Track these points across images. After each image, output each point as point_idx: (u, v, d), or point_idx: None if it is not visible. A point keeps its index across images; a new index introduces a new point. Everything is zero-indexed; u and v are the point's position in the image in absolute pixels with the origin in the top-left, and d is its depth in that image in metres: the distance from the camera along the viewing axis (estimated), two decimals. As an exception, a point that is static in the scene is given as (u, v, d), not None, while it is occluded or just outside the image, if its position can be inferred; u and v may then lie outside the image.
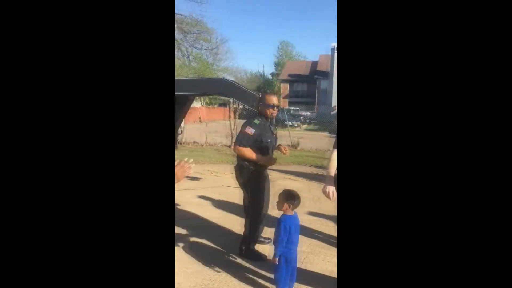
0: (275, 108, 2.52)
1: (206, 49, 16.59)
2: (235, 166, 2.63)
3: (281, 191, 2.09)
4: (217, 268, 2.40)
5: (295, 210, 2.06)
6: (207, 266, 2.45)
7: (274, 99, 2.54)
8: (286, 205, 2.01)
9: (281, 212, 2.05)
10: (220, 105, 25.83)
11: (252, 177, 2.49)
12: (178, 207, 3.93)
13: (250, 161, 2.45)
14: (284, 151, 2.61)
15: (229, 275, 2.31)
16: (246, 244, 2.61)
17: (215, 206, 3.98)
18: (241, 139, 2.45)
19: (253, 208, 2.54)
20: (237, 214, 3.43)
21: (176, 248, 2.80)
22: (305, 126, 19.57)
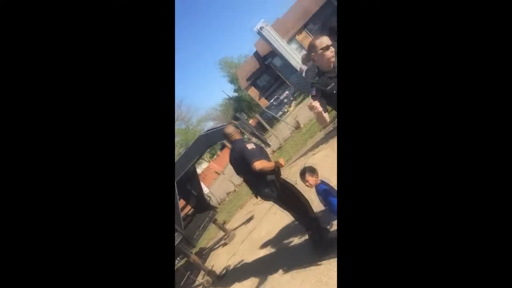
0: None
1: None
2: (258, 192, 2.72)
3: (300, 176, 2.34)
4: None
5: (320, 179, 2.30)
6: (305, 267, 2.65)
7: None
8: (309, 179, 2.25)
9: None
10: (221, 149, 26.33)
11: (282, 186, 2.62)
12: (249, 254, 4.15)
13: (269, 172, 2.53)
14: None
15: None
16: (316, 233, 2.66)
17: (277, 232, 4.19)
18: (253, 155, 2.49)
19: (304, 207, 2.65)
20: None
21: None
22: (293, 104, 19.77)
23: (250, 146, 2.57)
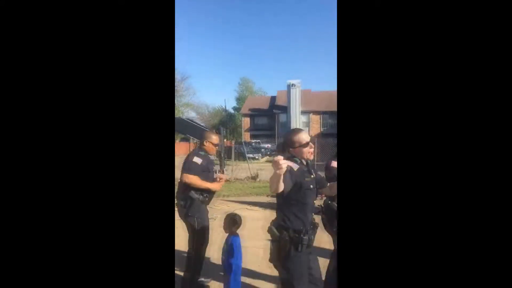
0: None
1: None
2: (179, 201, 2.52)
3: (225, 216, 2.40)
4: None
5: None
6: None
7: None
8: (232, 228, 2.32)
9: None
10: (182, 139, 25.83)
11: (200, 210, 2.50)
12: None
13: (198, 190, 2.47)
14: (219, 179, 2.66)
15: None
16: (188, 277, 2.51)
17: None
18: (189, 167, 2.49)
19: (199, 243, 2.51)
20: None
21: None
22: (266, 158, 20.23)
23: (196, 159, 2.54)
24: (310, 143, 1.76)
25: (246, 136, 29.60)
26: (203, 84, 65.37)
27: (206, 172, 2.57)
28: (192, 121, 4.70)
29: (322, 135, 22.49)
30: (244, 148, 12.35)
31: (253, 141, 24.08)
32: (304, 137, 1.76)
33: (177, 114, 18.65)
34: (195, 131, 4.39)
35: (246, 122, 31.69)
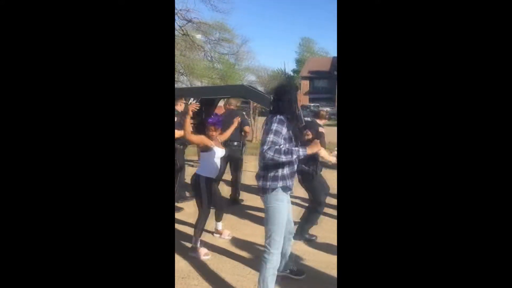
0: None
1: (228, 53, 17.54)
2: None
3: None
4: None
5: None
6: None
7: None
8: None
9: None
10: (242, 103, 26.84)
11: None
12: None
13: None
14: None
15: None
16: None
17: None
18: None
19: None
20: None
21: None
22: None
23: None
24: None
25: (304, 100, 29.36)
26: (263, 46, 64.45)
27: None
28: (255, 89, 5.29)
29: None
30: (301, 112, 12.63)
31: (311, 104, 23.94)
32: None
33: (238, 78, 19.36)
34: (259, 98, 5.02)
35: (305, 85, 31.14)
